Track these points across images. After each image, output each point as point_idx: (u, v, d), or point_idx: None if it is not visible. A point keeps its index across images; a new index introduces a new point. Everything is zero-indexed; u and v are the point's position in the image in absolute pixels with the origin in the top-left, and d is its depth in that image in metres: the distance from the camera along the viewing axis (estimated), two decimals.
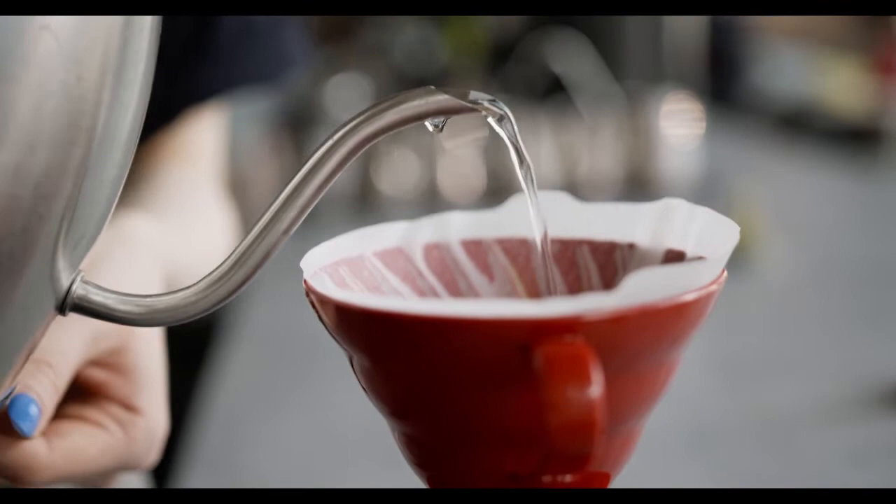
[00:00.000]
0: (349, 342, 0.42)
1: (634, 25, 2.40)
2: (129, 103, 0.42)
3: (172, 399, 0.59)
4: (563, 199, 0.50)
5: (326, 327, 0.42)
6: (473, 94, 0.44)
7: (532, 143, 1.98)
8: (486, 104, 0.44)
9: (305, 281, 0.43)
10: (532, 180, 0.46)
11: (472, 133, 2.01)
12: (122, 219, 0.59)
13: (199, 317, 0.45)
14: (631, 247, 0.48)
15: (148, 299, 0.45)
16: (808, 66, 4.47)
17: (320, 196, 0.44)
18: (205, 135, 0.84)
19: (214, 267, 0.45)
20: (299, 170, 0.44)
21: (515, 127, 0.45)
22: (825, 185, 2.24)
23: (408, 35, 2.63)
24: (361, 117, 0.43)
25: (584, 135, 2.01)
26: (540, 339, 0.38)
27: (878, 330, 1.30)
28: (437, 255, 0.50)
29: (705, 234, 0.46)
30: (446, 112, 0.43)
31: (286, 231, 0.44)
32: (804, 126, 3.44)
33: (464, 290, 0.50)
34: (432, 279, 0.50)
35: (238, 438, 1.01)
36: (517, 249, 0.50)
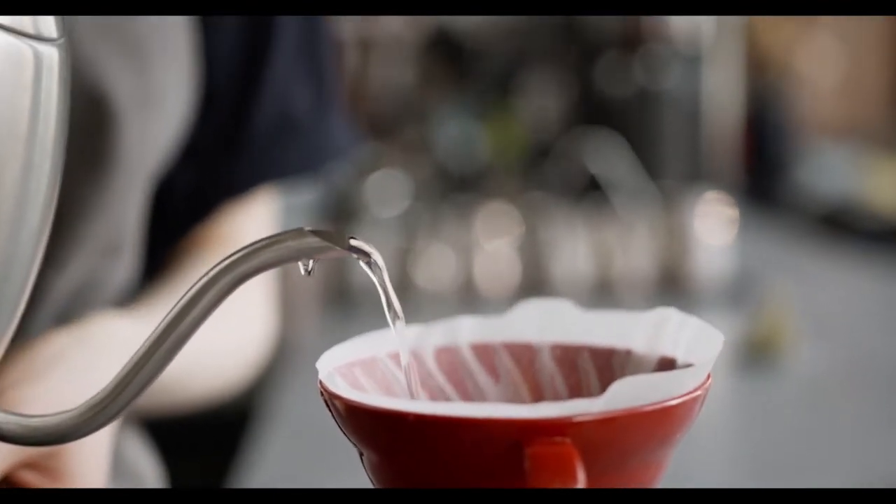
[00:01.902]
0: (358, 438, 0.45)
1: (672, 126, 2.44)
2: (30, 226, 0.43)
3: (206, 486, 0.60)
4: (567, 307, 0.54)
5: (338, 424, 0.46)
6: (348, 238, 0.46)
7: (568, 241, 2.01)
8: (355, 247, 0.46)
9: (320, 381, 0.47)
10: (400, 326, 0.48)
11: (512, 234, 2.04)
12: (95, 320, 0.59)
13: (79, 438, 0.47)
14: (628, 353, 0.52)
15: (33, 420, 0.47)
16: (851, 164, 4.49)
17: (196, 330, 0.46)
18: (247, 226, 0.83)
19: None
20: (176, 305, 0.46)
21: (385, 272, 0.47)
22: (863, 285, 2.25)
23: (449, 132, 2.69)
24: (237, 255, 0.45)
25: (619, 233, 2.05)
26: (530, 439, 0.41)
27: None
28: (447, 358, 0.53)
29: (694, 342, 0.49)
30: (318, 255, 0.45)
31: (162, 363, 0.46)
32: (846, 225, 3.44)
33: (471, 390, 0.53)
34: (442, 380, 0.53)
35: None
36: (522, 353, 0.54)
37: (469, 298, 1.99)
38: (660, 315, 0.51)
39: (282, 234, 0.45)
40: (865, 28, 5.31)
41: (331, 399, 0.45)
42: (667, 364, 0.50)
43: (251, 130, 0.80)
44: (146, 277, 0.80)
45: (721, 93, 2.59)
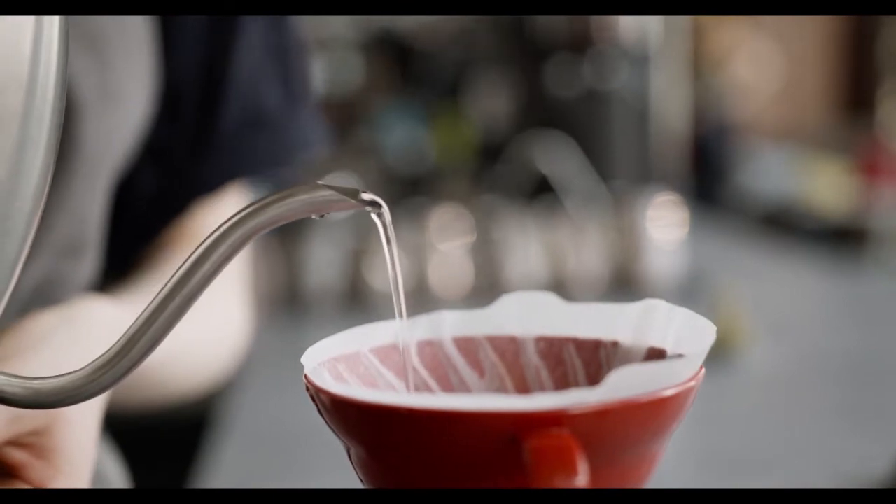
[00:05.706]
0: (347, 434, 0.44)
1: (621, 127, 2.45)
2: (26, 193, 0.41)
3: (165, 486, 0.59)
4: (550, 300, 0.53)
5: (325, 420, 0.45)
6: (357, 190, 0.45)
7: (520, 242, 2.01)
8: (366, 199, 0.46)
9: (306, 375, 0.45)
10: (397, 281, 0.48)
11: (464, 236, 2.04)
12: (79, 302, 0.58)
13: (84, 400, 0.45)
14: (614, 345, 0.51)
15: (35, 382, 0.45)
16: (792, 166, 4.54)
17: (206, 287, 0.44)
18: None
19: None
20: (185, 262, 0.44)
21: (389, 223, 0.47)
22: (809, 283, 2.27)
23: (398, 135, 2.68)
24: (248, 210, 0.44)
25: (570, 234, 2.05)
26: (527, 431, 0.40)
27: (860, 425, 1.32)
28: (431, 352, 0.52)
29: (684, 333, 0.48)
30: (330, 208, 0.45)
31: (170, 322, 0.44)
32: (789, 225, 3.48)
33: (455, 385, 0.52)
34: (425, 374, 0.52)
35: None
36: (506, 346, 0.53)
37: (423, 300, 1.98)
38: (647, 306, 0.50)
39: (293, 188, 0.44)
40: (804, 32, 5.37)
41: (317, 393, 0.44)
42: (655, 355, 0.49)
43: (219, 127, 0.79)
44: (109, 278, 0.78)
45: (668, 95, 2.60)
